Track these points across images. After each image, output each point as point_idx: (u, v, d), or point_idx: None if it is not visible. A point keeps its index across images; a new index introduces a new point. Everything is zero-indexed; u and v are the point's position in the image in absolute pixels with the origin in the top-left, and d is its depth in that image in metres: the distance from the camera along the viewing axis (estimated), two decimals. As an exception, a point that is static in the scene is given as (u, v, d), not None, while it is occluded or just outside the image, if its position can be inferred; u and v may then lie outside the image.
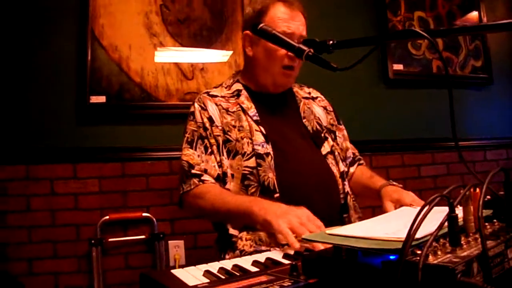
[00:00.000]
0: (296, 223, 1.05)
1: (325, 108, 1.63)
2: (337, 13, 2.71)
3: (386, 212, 1.26)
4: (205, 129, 1.40)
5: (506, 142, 3.07)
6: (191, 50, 2.39)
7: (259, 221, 1.15)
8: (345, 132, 1.67)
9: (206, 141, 1.39)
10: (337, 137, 1.60)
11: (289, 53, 1.36)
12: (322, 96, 1.69)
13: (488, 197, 0.92)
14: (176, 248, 2.25)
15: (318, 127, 1.52)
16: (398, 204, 1.28)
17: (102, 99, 2.24)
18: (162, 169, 2.27)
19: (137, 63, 2.30)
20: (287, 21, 1.39)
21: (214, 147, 1.38)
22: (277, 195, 1.30)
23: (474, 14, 3.09)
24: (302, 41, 1.16)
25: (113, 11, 2.30)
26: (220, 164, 1.37)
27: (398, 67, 2.80)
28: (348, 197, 1.45)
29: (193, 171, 1.36)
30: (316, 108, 1.58)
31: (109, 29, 2.29)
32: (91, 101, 2.22)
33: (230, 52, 2.45)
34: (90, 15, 2.26)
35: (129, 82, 2.28)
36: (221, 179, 1.37)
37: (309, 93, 1.65)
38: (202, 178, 1.35)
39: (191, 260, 2.25)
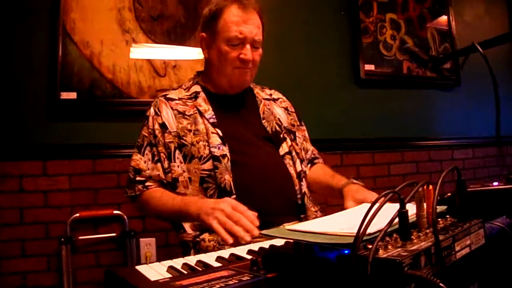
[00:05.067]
0: (222, 217, 1.11)
1: (286, 109, 1.64)
2: (310, 14, 2.74)
3: None
4: (155, 136, 1.42)
5: (472, 142, 3.18)
6: (165, 46, 2.39)
7: (196, 220, 1.23)
8: (306, 133, 1.69)
9: (154, 148, 1.41)
10: (297, 137, 1.61)
11: (240, 56, 1.40)
12: (283, 98, 1.70)
13: (449, 194, 0.96)
14: (148, 246, 2.24)
15: (277, 127, 1.53)
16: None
17: (73, 95, 2.21)
18: (134, 166, 2.25)
19: (108, 59, 2.27)
20: (240, 24, 1.39)
21: (162, 155, 1.40)
22: (233, 196, 1.30)
23: (444, 18, 3.17)
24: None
25: (86, 6, 2.27)
26: (169, 171, 1.39)
27: (370, 67, 2.85)
28: (305, 197, 1.46)
29: (137, 177, 1.41)
30: (276, 109, 1.59)
31: (81, 24, 2.25)
32: (61, 97, 2.18)
33: (204, 50, 2.44)
34: (62, 9, 2.22)
35: (101, 78, 2.25)
36: (165, 184, 1.40)
37: (270, 94, 1.66)
38: (146, 184, 1.40)
39: (163, 257, 2.23)
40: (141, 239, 2.24)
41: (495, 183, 1.03)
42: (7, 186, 2.08)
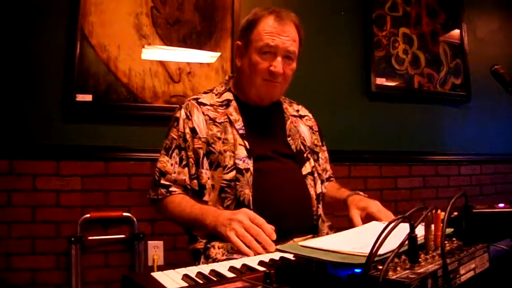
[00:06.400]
0: (241, 230, 1.11)
1: (311, 127, 1.63)
2: (324, 27, 2.77)
3: (352, 220, 1.32)
4: (185, 140, 1.40)
5: (480, 159, 3.19)
6: (179, 49, 2.42)
7: (212, 232, 1.22)
8: (326, 153, 1.68)
9: (183, 152, 1.40)
10: (320, 159, 1.60)
11: (270, 68, 1.39)
12: (310, 115, 1.69)
13: (455, 213, 0.98)
14: (155, 248, 2.28)
15: (301, 146, 1.52)
16: (364, 212, 1.32)
17: (88, 97, 2.25)
18: (144, 170, 2.29)
19: (125, 63, 2.32)
20: (273, 34, 1.39)
21: (191, 160, 1.38)
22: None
23: (456, 33, 3.20)
24: None
25: (104, 10, 2.32)
26: (195, 177, 1.38)
27: (381, 81, 2.88)
28: (320, 220, 1.45)
29: (162, 181, 1.40)
30: (302, 127, 1.58)
31: (98, 28, 2.30)
32: (77, 99, 2.23)
33: (218, 54, 2.48)
34: (81, 13, 2.27)
35: (116, 82, 2.30)
36: (189, 190, 1.39)
37: (298, 110, 1.65)
38: (170, 189, 1.39)
39: (170, 261, 2.28)
40: (149, 242, 2.28)
41: (501, 205, 1.05)
42: (21, 184, 2.13)
